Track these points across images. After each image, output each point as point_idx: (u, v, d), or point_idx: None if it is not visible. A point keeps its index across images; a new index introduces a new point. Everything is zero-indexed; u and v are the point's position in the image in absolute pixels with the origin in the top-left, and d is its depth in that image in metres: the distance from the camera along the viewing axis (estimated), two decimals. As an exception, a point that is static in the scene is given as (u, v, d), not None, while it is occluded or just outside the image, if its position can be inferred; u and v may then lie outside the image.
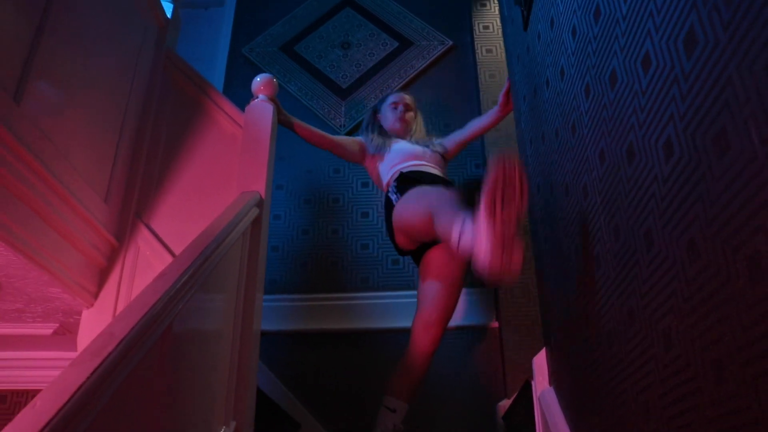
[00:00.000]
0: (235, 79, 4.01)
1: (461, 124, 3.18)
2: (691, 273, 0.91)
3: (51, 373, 2.81)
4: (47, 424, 0.97)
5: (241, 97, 2.78)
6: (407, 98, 3.03)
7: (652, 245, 1.05)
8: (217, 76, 4.03)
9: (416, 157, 2.79)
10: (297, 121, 2.65)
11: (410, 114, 3.00)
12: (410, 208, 2.38)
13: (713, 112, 0.88)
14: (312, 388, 3.07)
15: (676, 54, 1.01)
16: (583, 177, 1.55)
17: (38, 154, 1.79)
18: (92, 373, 1.09)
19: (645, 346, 1.09)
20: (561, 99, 1.79)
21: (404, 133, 2.97)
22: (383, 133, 2.95)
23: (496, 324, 3.12)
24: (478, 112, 3.60)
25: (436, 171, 2.77)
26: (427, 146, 2.90)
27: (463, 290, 3.17)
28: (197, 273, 1.55)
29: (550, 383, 2.04)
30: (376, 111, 3.06)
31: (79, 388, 1.05)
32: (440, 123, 3.74)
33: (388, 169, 2.78)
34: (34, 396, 2.77)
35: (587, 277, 1.51)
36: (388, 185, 2.74)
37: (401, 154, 2.79)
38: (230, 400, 1.97)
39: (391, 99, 3.02)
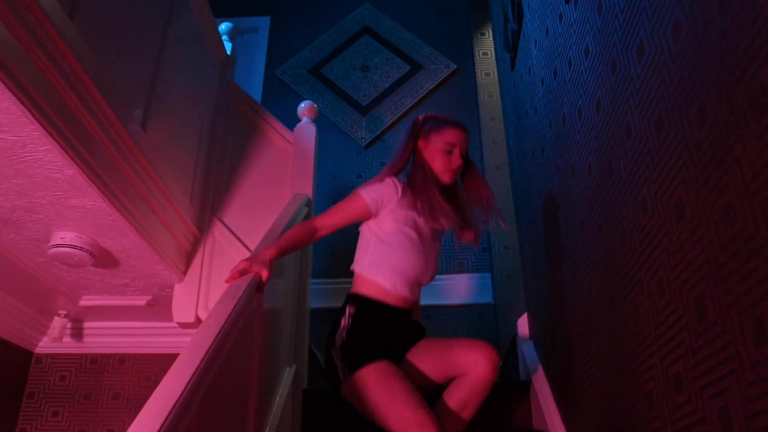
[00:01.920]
0: (271, 97, 4.70)
1: (463, 138, 3.85)
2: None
3: (138, 339, 3.49)
4: (205, 354, 1.50)
5: (275, 112, 3.46)
6: (467, 139, 2.30)
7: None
8: (254, 94, 4.71)
9: (412, 282, 2.20)
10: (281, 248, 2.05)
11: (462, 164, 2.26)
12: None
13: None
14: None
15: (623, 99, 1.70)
16: (550, 182, 2.25)
17: (155, 167, 2.47)
18: (220, 330, 1.67)
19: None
20: (535, 128, 2.47)
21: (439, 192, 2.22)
22: (420, 180, 2.22)
23: (491, 302, 3.81)
24: (478, 127, 4.27)
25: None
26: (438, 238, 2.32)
27: (466, 275, 3.88)
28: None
29: (530, 337, 2.72)
30: (418, 134, 2.28)
31: (216, 337, 1.62)
32: (446, 136, 4.42)
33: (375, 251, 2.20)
34: (121, 359, 3.46)
35: (561, 253, 2.21)
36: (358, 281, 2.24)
37: (398, 267, 2.16)
38: (291, 351, 2.65)
39: (448, 133, 2.24)
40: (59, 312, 3.30)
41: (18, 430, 3.42)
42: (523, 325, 2.80)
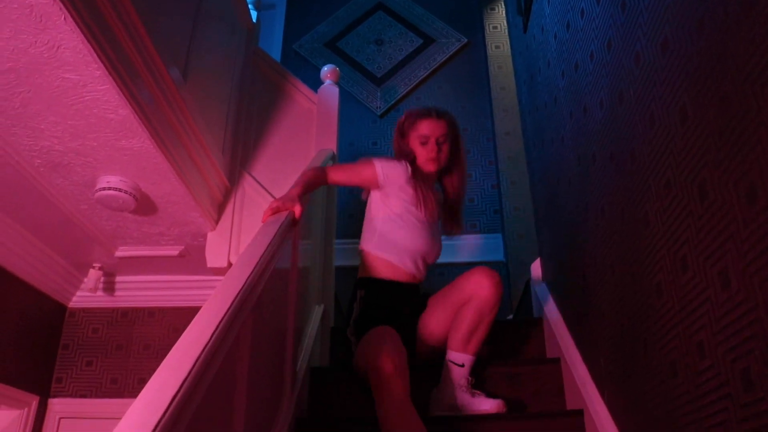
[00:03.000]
0: (288, 70, 4.86)
1: (475, 108, 4.05)
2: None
3: (166, 293, 3.68)
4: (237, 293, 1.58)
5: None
6: (443, 125, 2.48)
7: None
8: (273, 67, 4.89)
9: (418, 260, 2.42)
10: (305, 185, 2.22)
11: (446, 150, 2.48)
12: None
13: (614, 79, 1.73)
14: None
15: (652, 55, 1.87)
16: (562, 129, 2.43)
17: (194, 116, 2.66)
18: (252, 271, 1.82)
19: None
20: (548, 81, 2.65)
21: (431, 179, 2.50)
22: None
23: (503, 260, 3.99)
24: (489, 97, 4.45)
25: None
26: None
27: (478, 235, 4.07)
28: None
29: (543, 280, 2.90)
30: (402, 132, 2.53)
31: (249, 277, 1.77)
32: (458, 106, 4.60)
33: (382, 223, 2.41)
34: (150, 312, 3.65)
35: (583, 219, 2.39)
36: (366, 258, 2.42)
37: (402, 243, 2.38)
38: (319, 291, 2.85)
39: (420, 126, 2.46)
40: (94, 265, 3.49)
41: (54, 379, 3.62)
42: (536, 268, 2.99)
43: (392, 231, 2.33)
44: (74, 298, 3.75)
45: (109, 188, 2.60)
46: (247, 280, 1.53)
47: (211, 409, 1.32)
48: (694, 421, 1.30)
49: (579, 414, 2.07)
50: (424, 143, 2.40)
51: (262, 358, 1.85)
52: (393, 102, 4.71)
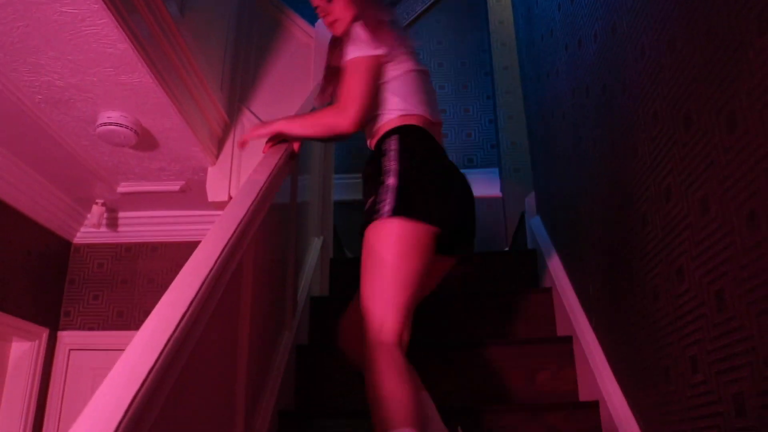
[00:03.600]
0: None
1: (473, 41, 4.03)
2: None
3: (169, 228, 3.75)
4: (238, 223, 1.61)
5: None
6: None
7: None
8: None
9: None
10: None
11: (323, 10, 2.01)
12: None
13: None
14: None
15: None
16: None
17: (192, 52, 2.66)
18: (252, 203, 1.85)
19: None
20: (544, 14, 2.65)
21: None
22: None
23: (500, 194, 4.05)
24: (487, 31, 4.42)
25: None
26: None
27: (475, 170, 4.12)
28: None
29: (537, 213, 2.97)
30: None
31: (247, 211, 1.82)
32: (456, 40, 4.58)
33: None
34: (153, 247, 3.72)
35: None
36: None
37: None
38: (318, 224, 2.91)
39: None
40: (96, 201, 3.54)
41: (63, 313, 3.72)
42: (530, 202, 3.04)
43: (411, 81, 1.89)
44: (78, 234, 3.81)
45: (110, 123, 2.63)
46: (247, 211, 1.58)
47: (217, 331, 1.40)
48: (673, 342, 1.37)
49: (568, 340, 2.16)
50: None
51: (264, 287, 1.93)
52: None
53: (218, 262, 1.30)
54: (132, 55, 2.25)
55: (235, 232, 1.45)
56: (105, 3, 2.00)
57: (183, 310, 1.11)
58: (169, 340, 1.04)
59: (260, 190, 1.74)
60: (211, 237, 1.41)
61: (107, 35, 2.15)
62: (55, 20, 2.09)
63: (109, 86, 2.45)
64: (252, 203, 1.64)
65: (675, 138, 1.34)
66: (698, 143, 1.23)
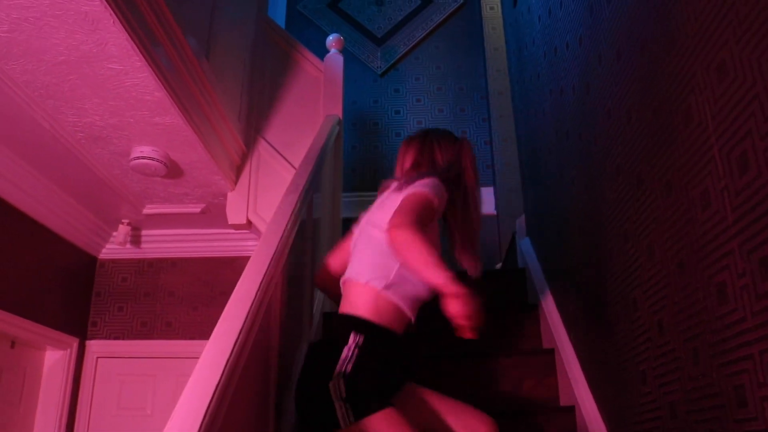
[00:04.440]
0: (293, 30, 5.13)
1: (470, 67, 4.33)
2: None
3: (188, 245, 4.05)
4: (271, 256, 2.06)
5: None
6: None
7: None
8: (278, 27, 5.14)
9: (421, 303, 1.96)
10: None
11: None
12: None
13: (580, 74, 2.06)
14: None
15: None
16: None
17: (214, 88, 2.96)
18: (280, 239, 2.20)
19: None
20: (532, 58, 2.95)
21: None
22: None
23: (494, 212, 4.35)
24: (483, 57, 4.73)
25: None
26: None
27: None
28: (314, 177, 2.68)
29: (527, 234, 3.27)
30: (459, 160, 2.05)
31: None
32: (454, 65, 4.88)
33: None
34: (173, 262, 4.01)
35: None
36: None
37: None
38: (328, 246, 3.20)
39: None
40: (123, 221, 3.84)
41: (90, 323, 4.02)
42: (521, 223, 3.35)
43: (410, 275, 1.85)
44: (104, 251, 4.12)
45: (143, 157, 2.93)
46: (277, 244, 1.88)
47: (257, 348, 1.70)
48: (629, 359, 1.68)
49: (551, 352, 2.46)
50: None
51: (289, 302, 2.24)
52: (393, 61, 4.98)
53: (257, 294, 1.61)
54: (166, 101, 2.56)
55: (269, 264, 1.75)
56: (147, 60, 2.31)
57: (235, 336, 1.42)
58: (229, 357, 1.34)
59: (285, 227, 2.05)
60: (251, 271, 1.72)
61: (146, 85, 2.46)
62: (101, 74, 2.40)
63: (143, 126, 2.76)
64: (282, 235, 1.94)
65: (631, 193, 1.65)
66: (647, 199, 1.53)
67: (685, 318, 1.33)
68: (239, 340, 1.42)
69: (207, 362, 1.35)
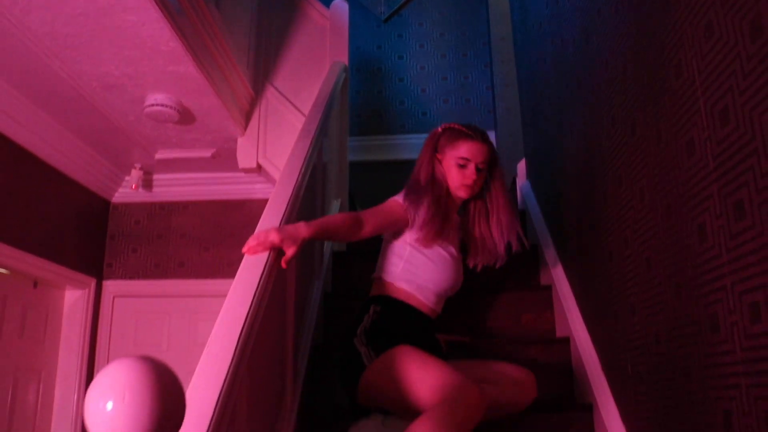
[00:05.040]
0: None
1: (473, 13, 4.37)
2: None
3: (198, 188, 4.18)
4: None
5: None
6: (485, 151, 2.12)
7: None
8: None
9: (442, 295, 2.14)
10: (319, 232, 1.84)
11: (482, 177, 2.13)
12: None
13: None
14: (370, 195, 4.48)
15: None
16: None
17: (225, 37, 3.04)
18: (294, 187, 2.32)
19: None
20: (536, 8, 3.02)
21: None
22: (443, 205, 2.10)
23: (495, 156, 4.46)
24: (486, 3, 4.76)
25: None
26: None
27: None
28: (323, 123, 2.78)
29: (527, 178, 3.40)
30: (436, 146, 2.16)
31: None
32: (456, 12, 4.92)
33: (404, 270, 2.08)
34: (184, 205, 4.14)
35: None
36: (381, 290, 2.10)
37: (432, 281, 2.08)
38: (336, 189, 3.34)
39: (462, 147, 2.10)
40: (135, 165, 3.96)
41: (106, 265, 4.19)
42: (521, 168, 3.47)
43: (422, 263, 2.05)
44: (116, 195, 4.25)
45: (157, 105, 3.04)
46: (294, 187, 2.00)
47: (278, 286, 1.85)
48: (620, 293, 1.83)
49: (548, 288, 2.62)
50: (462, 166, 2.07)
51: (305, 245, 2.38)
52: (396, 7, 5.01)
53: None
54: (180, 50, 2.65)
55: (288, 205, 1.88)
56: (162, 12, 2.40)
57: (261, 270, 1.55)
58: (256, 290, 1.48)
59: (303, 160, 2.18)
60: (271, 210, 1.84)
61: (161, 36, 2.56)
62: (119, 25, 2.49)
63: (158, 75, 2.86)
64: (297, 178, 2.06)
65: (625, 140, 1.77)
66: (640, 147, 1.66)
67: (670, 255, 1.47)
68: (264, 274, 1.55)
69: (237, 294, 1.48)
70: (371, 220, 1.99)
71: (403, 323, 2.01)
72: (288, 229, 1.70)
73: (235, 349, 1.29)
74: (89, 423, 0.76)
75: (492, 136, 4.57)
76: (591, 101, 2.13)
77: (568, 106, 2.45)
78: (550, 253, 2.72)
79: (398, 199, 2.08)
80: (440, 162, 2.12)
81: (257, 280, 1.54)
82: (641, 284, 1.66)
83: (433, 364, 1.76)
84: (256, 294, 1.50)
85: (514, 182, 3.66)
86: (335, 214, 1.84)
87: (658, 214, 1.54)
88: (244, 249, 1.62)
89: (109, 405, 0.75)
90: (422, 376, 1.72)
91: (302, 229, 1.73)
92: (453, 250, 2.11)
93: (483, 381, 1.89)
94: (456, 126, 2.16)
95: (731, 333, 1.19)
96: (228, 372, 1.21)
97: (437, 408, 1.61)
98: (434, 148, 2.14)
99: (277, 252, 1.68)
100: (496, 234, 2.14)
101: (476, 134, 2.11)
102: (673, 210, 1.45)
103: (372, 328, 1.96)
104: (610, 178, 1.93)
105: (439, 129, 2.19)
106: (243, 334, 1.36)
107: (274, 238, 1.64)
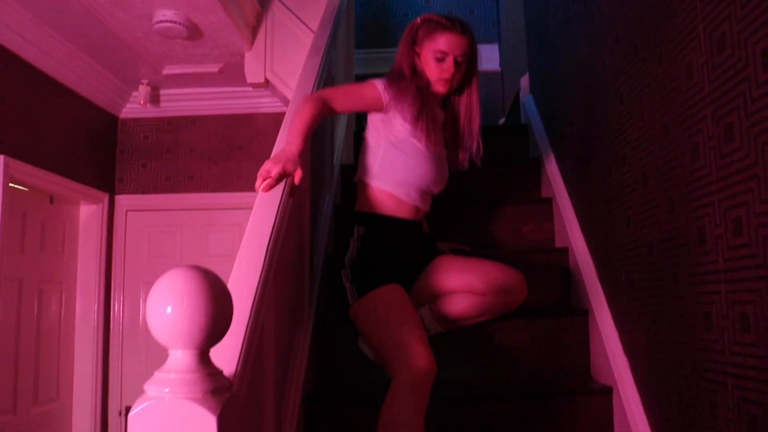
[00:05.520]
0: None
1: None
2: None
3: (205, 103, 4.23)
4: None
5: None
6: (465, 44, 2.03)
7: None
8: None
9: (425, 190, 2.12)
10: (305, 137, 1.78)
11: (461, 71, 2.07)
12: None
13: None
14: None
15: None
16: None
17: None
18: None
19: None
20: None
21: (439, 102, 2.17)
22: (422, 90, 2.04)
23: (499, 69, 4.49)
24: None
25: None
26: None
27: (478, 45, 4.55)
28: (332, 38, 2.79)
29: (530, 92, 3.46)
30: (414, 39, 2.08)
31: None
32: None
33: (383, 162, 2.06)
34: (192, 120, 4.20)
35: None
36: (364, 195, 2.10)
37: (408, 173, 2.06)
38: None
39: (439, 39, 2.01)
40: (142, 81, 4.00)
41: (117, 179, 4.29)
42: (524, 81, 3.53)
43: (397, 158, 2.03)
44: (124, 110, 4.30)
45: (166, 21, 3.06)
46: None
47: (294, 203, 1.96)
48: (617, 206, 1.95)
49: (549, 201, 2.74)
50: (440, 60, 2.00)
51: (312, 156, 2.47)
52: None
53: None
54: (189, -36, 2.66)
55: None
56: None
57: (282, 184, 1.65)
58: (279, 203, 1.58)
59: (315, 76, 2.25)
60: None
61: (170, -49, 2.56)
62: (127, -60, 2.49)
63: (166, -10, 2.87)
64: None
65: (628, 60, 1.84)
66: (641, 67, 1.73)
67: (666, 171, 1.58)
68: (286, 187, 1.65)
69: (262, 206, 1.58)
70: (343, 101, 1.99)
71: (388, 246, 2.02)
72: (280, 156, 1.66)
73: (264, 259, 1.42)
74: (152, 325, 0.88)
75: (495, 49, 4.59)
76: (596, 18, 2.18)
77: (573, 22, 2.49)
78: (551, 167, 2.82)
79: (378, 84, 2.01)
80: (419, 56, 2.05)
81: (279, 198, 1.65)
82: (637, 198, 1.78)
83: (409, 325, 1.81)
84: (279, 209, 1.61)
85: (517, 96, 3.71)
86: (303, 112, 1.79)
87: (656, 132, 1.63)
88: (263, 189, 1.60)
89: (169, 309, 0.86)
90: (395, 336, 1.80)
91: (292, 147, 1.70)
92: (435, 147, 2.05)
93: (474, 293, 1.98)
94: (435, 17, 2.07)
95: (716, 245, 1.32)
96: (259, 280, 1.34)
97: (395, 387, 1.73)
98: (412, 41, 2.07)
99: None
100: (476, 130, 2.14)
101: (455, 25, 2.01)
102: (670, 129, 1.55)
103: (357, 259, 1.98)
104: (611, 95, 2.00)
105: (418, 20, 2.10)
106: (270, 245, 1.48)
107: (276, 169, 1.60)
